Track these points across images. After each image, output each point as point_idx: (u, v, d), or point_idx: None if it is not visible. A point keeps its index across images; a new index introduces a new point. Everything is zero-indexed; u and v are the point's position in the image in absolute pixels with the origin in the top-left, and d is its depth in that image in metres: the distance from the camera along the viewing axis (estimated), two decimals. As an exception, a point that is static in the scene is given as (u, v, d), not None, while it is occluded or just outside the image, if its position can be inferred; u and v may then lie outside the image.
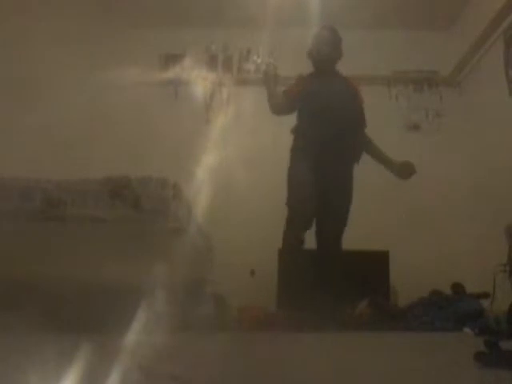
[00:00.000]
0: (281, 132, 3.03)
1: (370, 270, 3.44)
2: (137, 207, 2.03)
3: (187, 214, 2.28)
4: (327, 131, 2.70)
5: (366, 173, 3.81)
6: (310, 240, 2.78)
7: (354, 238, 3.40)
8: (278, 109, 2.89)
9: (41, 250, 1.96)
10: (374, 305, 2.86)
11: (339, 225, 2.77)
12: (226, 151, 3.03)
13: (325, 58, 2.88)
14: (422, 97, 4.16)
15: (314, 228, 2.78)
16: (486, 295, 2.76)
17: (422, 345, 1.98)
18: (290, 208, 2.67)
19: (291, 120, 2.92)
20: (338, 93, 2.82)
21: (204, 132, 3.55)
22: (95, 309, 1.73)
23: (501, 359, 1.22)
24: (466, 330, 2.39)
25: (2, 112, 2.70)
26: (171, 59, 4.16)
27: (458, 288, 3.14)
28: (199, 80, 4.05)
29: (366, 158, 3.87)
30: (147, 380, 0.98)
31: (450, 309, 2.68)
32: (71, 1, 3.57)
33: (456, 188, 3.85)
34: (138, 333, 1.41)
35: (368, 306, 2.84)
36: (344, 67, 3.79)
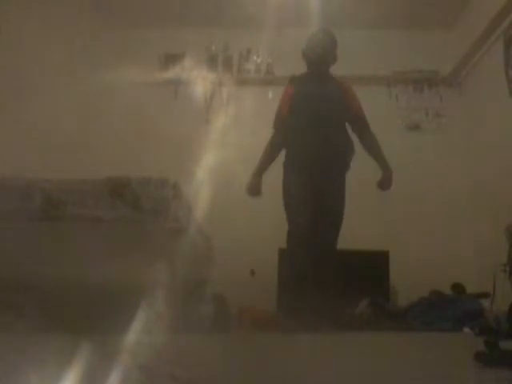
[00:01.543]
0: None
1: (370, 270, 3.44)
2: (137, 207, 2.03)
3: (187, 213, 2.28)
4: (316, 137, 2.68)
5: (366, 173, 3.82)
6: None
7: (354, 238, 3.41)
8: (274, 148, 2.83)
9: (41, 250, 1.96)
10: (374, 305, 2.86)
11: (334, 230, 2.75)
12: (226, 151, 3.03)
13: (318, 61, 2.82)
14: (422, 97, 4.16)
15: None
16: (485, 295, 2.77)
17: (422, 345, 1.98)
18: (289, 221, 2.66)
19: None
20: (328, 98, 2.78)
21: (204, 132, 3.55)
22: (95, 309, 1.73)
23: (501, 359, 1.22)
24: (466, 329, 2.39)
25: (2, 112, 2.70)
26: (171, 59, 4.16)
27: (458, 288, 3.15)
28: (199, 80, 4.05)
29: (366, 158, 3.88)
30: (147, 380, 0.98)
31: (450, 309, 2.68)
32: (71, 1, 3.57)
33: (456, 188, 3.85)
34: (138, 333, 1.41)
35: (368, 306, 2.84)
36: (344, 67, 3.79)
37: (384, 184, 2.84)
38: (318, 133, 2.69)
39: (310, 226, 2.66)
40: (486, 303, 2.70)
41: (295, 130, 2.77)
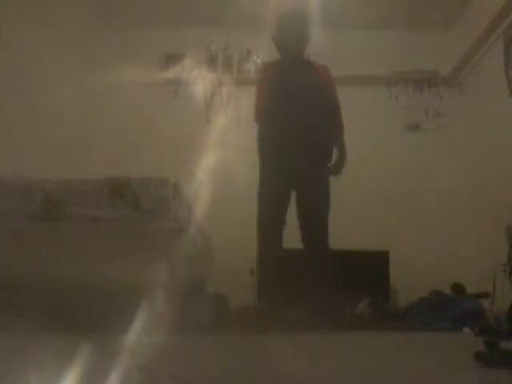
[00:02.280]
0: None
1: (370, 270, 3.45)
2: (137, 207, 2.03)
3: (187, 213, 2.28)
4: (293, 126, 2.50)
5: (365, 173, 3.82)
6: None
7: (354, 238, 3.41)
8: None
9: (41, 250, 1.96)
10: (374, 305, 2.86)
11: (320, 226, 2.58)
12: (226, 151, 3.03)
13: (291, 46, 2.62)
14: (422, 97, 4.16)
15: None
16: (485, 295, 2.77)
17: (422, 345, 1.98)
18: (259, 221, 2.56)
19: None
20: (305, 86, 2.58)
21: (204, 132, 3.55)
22: (95, 309, 1.73)
23: (501, 359, 1.22)
24: (466, 329, 2.39)
25: (3, 112, 2.70)
26: (171, 59, 4.16)
27: (458, 288, 3.15)
28: (199, 80, 4.05)
29: (365, 159, 3.89)
30: (147, 380, 0.98)
31: (450, 309, 2.68)
32: (71, 1, 3.57)
33: (456, 188, 3.85)
34: (138, 333, 1.41)
35: (368, 305, 2.84)
36: (345, 67, 3.78)
37: (336, 168, 2.65)
38: (297, 124, 2.52)
39: (301, 225, 2.57)
40: (486, 303, 2.70)
41: (273, 121, 2.60)
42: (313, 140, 2.54)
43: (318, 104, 2.59)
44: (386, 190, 3.76)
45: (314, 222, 2.59)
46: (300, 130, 2.51)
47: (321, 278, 2.49)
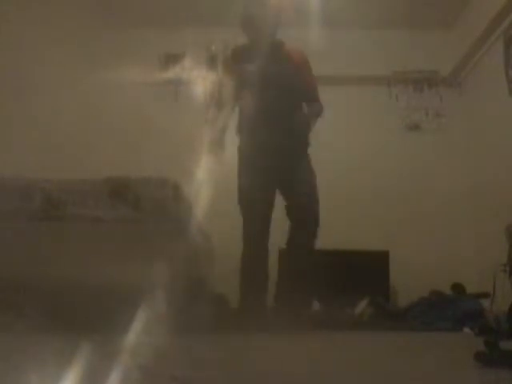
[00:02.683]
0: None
1: (370, 270, 3.45)
2: (137, 207, 2.03)
3: (187, 213, 2.29)
4: (271, 121, 2.42)
5: (365, 173, 3.82)
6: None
7: (354, 238, 3.41)
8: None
9: (41, 250, 1.96)
10: (374, 305, 2.86)
11: (308, 217, 2.46)
12: (226, 151, 3.02)
13: (261, 30, 2.51)
14: (422, 97, 4.16)
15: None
16: (485, 295, 2.77)
17: (422, 345, 1.98)
18: (243, 221, 2.50)
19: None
20: (279, 73, 2.46)
21: (204, 132, 3.55)
22: (95, 309, 1.73)
23: (501, 359, 1.22)
24: (466, 330, 2.39)
25: (2, 112, 2.70)
26: (171, 59, 4.16)
27: (458, 288, 3.15)
28: (199, 80, 4.05)
29: (366, 159, 3.89)
30: (147, 380, 0.98)
31: (450, 309, 2.68)
32: (71, 1, 3.57)
33: (456, 188, 3.85)
34: (138, 333, 1.41)
35: (368, 305, 2.85)
36: (345, 67, 3.78)
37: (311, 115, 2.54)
38: (272, 114, 2.42)
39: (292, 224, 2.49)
40: (486, 303, 2.70)
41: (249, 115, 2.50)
42: (291, 134, 2.44)
43: (294, 91, 2.46)
44: (386, 190, 3.76)
45: (305, 215, 2.47)
46: (277, 128, 2.42)
47: (301, 278, 2.40)
